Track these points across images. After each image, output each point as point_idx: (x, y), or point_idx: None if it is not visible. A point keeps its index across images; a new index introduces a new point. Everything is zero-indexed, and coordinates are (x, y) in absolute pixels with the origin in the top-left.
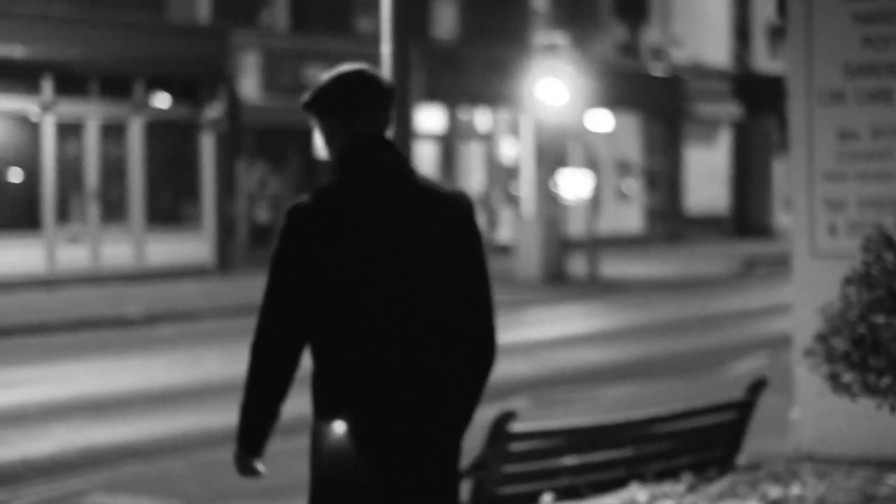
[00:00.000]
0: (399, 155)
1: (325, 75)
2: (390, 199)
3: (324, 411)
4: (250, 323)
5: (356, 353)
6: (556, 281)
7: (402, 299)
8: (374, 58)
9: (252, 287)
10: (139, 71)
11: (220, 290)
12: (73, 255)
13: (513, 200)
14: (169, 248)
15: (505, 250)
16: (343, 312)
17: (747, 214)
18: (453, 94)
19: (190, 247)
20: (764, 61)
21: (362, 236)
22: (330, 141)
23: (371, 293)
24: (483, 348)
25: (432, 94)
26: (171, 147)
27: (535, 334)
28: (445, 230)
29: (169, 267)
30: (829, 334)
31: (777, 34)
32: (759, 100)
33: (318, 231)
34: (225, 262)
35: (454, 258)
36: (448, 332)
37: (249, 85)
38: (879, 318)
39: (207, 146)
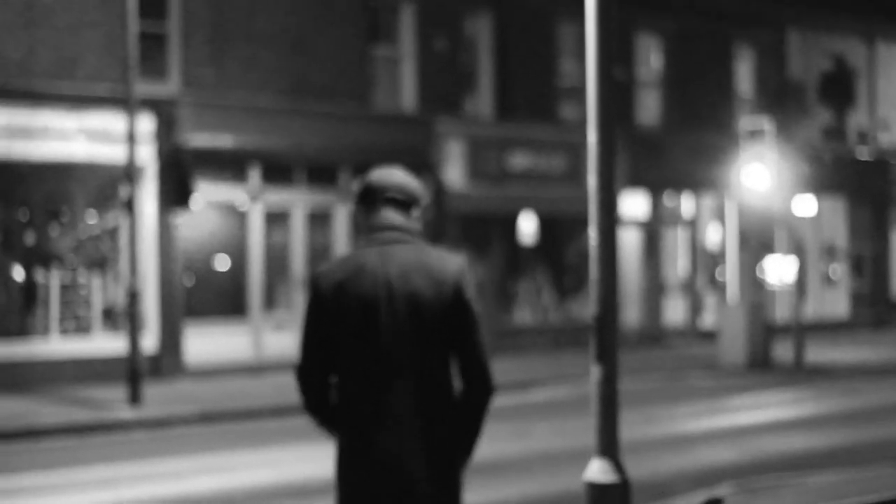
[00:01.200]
0: (404, 231)
1: (366, 175)
2: (386, 263)
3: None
4: None
5: (353, 383)
6: (761, 367)
7: (392, 343)
8: (577, 145)
9: None
10: (344, 159)
11: None
12: (279, 342)
13: (717, 286)
14: None
15: (709, 336)
16: (345, 353)
17: None
18: (657, 180)
19: None
20: None
21: (360, 292)
22: (358, 222)
23: (366, 338)
24: (479, 382)
25: (636, 180)
26: None
27: (739, 420)
28: (435, 286)
29: None
30: None
31: None
32: None
33: (328, 291)
34: None
35: (442, 310)
36: (429, 374)
37: (454, 173)
38: None
39: None
